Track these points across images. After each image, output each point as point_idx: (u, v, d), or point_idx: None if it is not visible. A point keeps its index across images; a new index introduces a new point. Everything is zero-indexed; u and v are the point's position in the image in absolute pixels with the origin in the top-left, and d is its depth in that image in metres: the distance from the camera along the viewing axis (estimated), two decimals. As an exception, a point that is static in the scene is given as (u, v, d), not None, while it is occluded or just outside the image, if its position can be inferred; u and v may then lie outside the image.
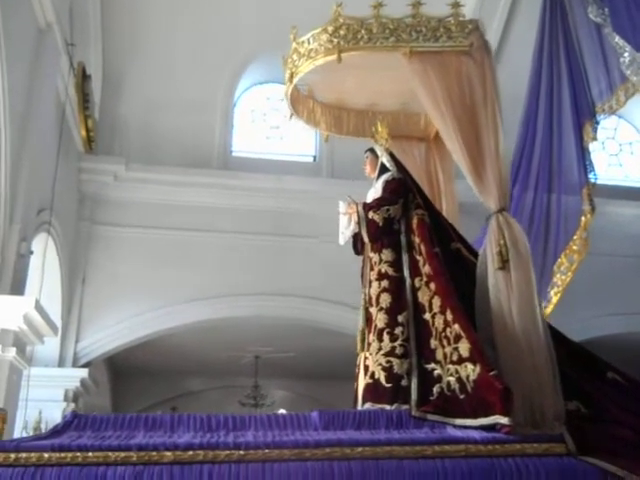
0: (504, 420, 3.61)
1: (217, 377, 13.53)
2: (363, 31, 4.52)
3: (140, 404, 12.81)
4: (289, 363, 12.67)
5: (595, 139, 7.24)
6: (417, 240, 4.56)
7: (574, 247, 7.30)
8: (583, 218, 7.25)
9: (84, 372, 8.83)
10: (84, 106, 8.91)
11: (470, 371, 3.92)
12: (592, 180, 7.28)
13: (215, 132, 10.63)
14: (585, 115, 7.20)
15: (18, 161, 6.48)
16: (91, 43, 9.74)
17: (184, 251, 9.51)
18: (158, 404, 12.82)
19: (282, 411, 9.19)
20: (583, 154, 7.26)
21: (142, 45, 10.15)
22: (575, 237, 7.29)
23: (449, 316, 4.14)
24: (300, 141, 11.18)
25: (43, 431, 6.77)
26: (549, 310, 7.23)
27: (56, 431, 3.66)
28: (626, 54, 6.25)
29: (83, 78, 8.82)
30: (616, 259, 10.07)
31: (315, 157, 11.11)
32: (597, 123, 7.25)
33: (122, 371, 12.81)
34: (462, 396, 3.97)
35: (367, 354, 4.55)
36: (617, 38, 6.34)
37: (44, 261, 7.43)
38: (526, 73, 7.69)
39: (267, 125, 11.42)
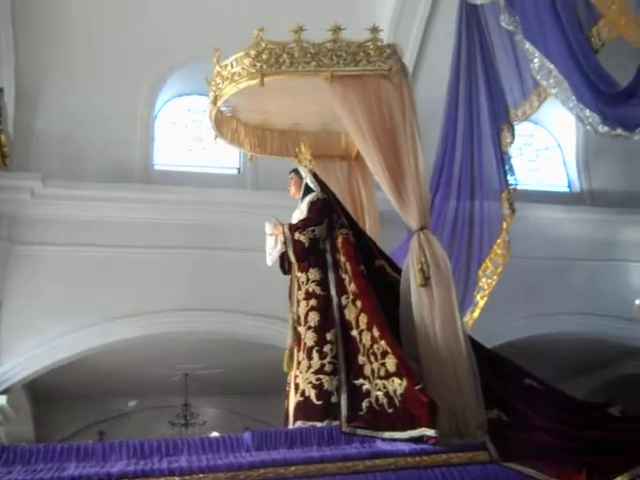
0: (430, 432, 3.78)
1: (145, 397, 13.20)
2: (285, 55, 4.63)
3: (66, 430, 12.42)
4: (219, 380, 12.53)
5: (511, 143, 7.47)
6: (343, 259, 4.69)
7: (498, 251, 7.51)
8: (504, 222, 7.49)
9: (2, 399, 8.44)
10: (-5, 120, 8.67)
11: (397, 385, 4.07)
12: (512, 185, 7.52)
13: (136, 145, 10.42)
14: (502, 121, 7.44)
15: None
16: (3, 55, 9.44)
17: (108, 268, 9.28)
18: (85, 428, 12.46)
19: (214, 433, 9.14)
20: (502, 159, 7.51)
21: (59, 57, 9.91)
22: (499, 241, 7.50)
23: (376, 332, 4.29)
24: (224, 153, 11.11)
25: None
26: (476, 314, 7.44)
27: (-17, 467, 3.59)
28: (536, 60, 6.47)
29: (-6, 92, 8.59)
30: (537, 262, 10.36)
31: (239, 169, 11.08)
32: (513, 128, 7.51)
33: (44, 396, 12.31)
34: (390, 410, 4.12)
35: (297, 372, 4.64)
36: (527, 44, 6.58)
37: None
38: (446, 85, 7.92)
39: (189, 137, 11.32)
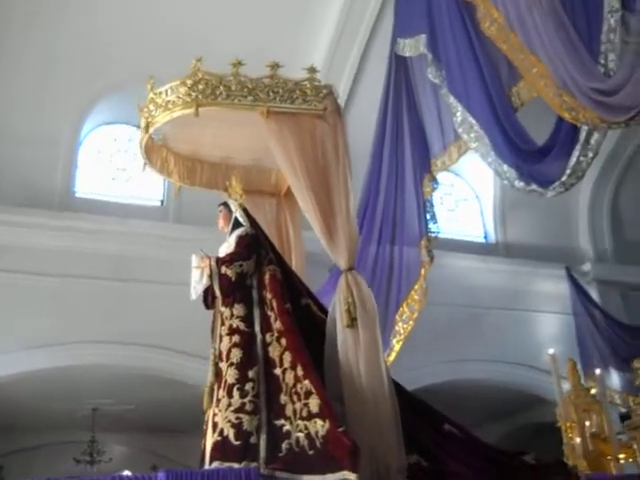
0: (352, 476, 3.70)
1: (52, 431, 12.51)
2: (222, 87, 4.60)
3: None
4: (129, 416, 12.05)
5: (432, 192, 7.62)
6: (269, 296, 4.63)
7: (415, 297, 7.63)
8: (422, 269, 7.60)
9: None
10: None
11: (319, 427, 4.00)
12: (433, 232, 7.66)
13: (58, 171, 10.14)
14: (424, 170, 7.61)
15: None
16: None
17: (22, 295, 8.86)
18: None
19: (127, 472, 8.76)
20: (424, 207, 7.65)
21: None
22: (416, 287, 7.62)
23: (300, 372, 4.22)
24: (147, 184, 10.93)
25: None
26: (392, 358, 7.48)
27: None
28: (458, 113, 6.69)
29: None
30: (452, 308, 10.58)
31: (162, 201, 10.91)
32: (434, 179, 7.67)
33: (-55, 429, 11.67)
34: (311, 452, 4.03)
35: (216, 410, 4.50)
36: (452, 98, 6.78)
37: None
38: (373, 128, 8.05)
39: (113, 166, 11.07)
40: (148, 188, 10.92)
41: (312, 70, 4.80)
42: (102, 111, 10.82)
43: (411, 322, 7.57)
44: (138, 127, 10.52)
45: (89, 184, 10.70)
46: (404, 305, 7.62)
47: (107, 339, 9.03)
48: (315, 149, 4.65)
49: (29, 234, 9.21)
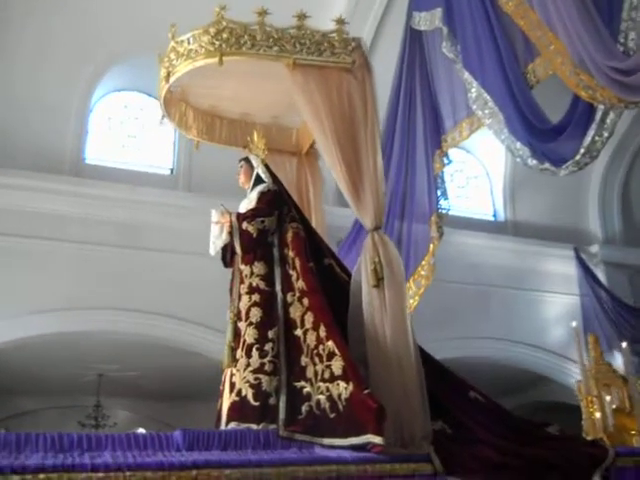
0: (377, 439, 3.55)
1: (56, 396, 12.55)
2: (246, 37, 4.41)
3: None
4: (135, 382, 12.04)
5: (442, 169, 7.49)
6: (291, 254, 4.46)
7: (422, 272, 7.51)
8: (431, 245, 7.48)
9: None
10: None
11: (342, 389, 3.85)
12: (444, 209, 7.52)
13: (68, 137, 10.01)
14: (435, 145, 7.47)
15: None
16: None
17: (29, 259, 8.77)
18: (-6, 427, 11.71)
19: (141, 430, 8.67)
20: (435, 183, 7.51)
21: (-5, 34, 9.42)
22: (423, 263, 7.50)
23: (322, 333, 4.07)
24: (158, 153, 10.79)
25: None
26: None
27: None
28: (473, 90, 6.54)
29: None
30: (460, 286, 10.54)
31: (172, 170, 10.76)
32: (446, 155, 7.53)
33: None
34: (332, 415, 3.89)
35: (234, 370, 4.35)
36: (466, 74, 6.63)
37: None
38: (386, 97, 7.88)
39: (124, 134, 10.92)
40: (158, 156, 10.80)
41: (340, 21, 4.60)
42: (113, 78, 10.67)
43: (417, 297, 7.45)
44: (149, 95, 10.63)
45: (99, 151, 10.57)
46: (410, 280, 7.47)
47: (114, 305, 8.95)
48: (342, 103, 4.46)
49: (39, 199, 9.10)
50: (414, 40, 7.83)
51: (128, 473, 3.19)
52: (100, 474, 3.14)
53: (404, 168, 7.68)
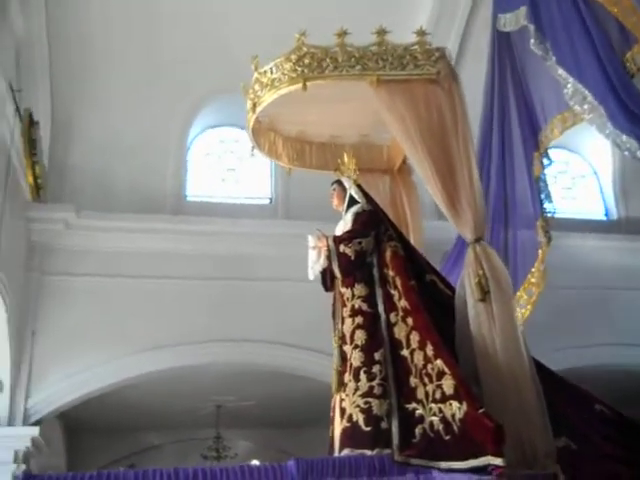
0: (497, 461, 3.38)
1: (177, 429, 12.92)
2: (328, 60, 4.41)
3: (97, 462, 12.11)
4: (252, 412, 12.18)
5: (542, 171, 7.22)
6: (391, 273, 4.38)
7: (532, 280, 7.23)
8: (540, 251, 7.20)
9: (35, 430, 8.21)
10: (31, 152, 8.57)
11: (456, 409, 3.71)
12: (549, 212, 7.24)
13: (168, 177, 10.32)
14: (532, 147, 7.22)
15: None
16: (39, 89, 9.44)
17: (139, 299, 9.07)
18: (116, 461, 12.17)
19: (255, 462, 8.76)
20: (537, 186, 7.24)
21: (92, 89, 9.87)
22: (533, 270, 7.22)
23: (430, 351, 3.95)
24: (256, 184, 10.98)
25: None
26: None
27: (7, 495, 3.30)
28: (569, 85, 6.25)
29: (30, 124, 8.49)
30: (574, 292, 10.04)
31: (271, 199, 10.91)
32: (545, 155, 7.26)
33: (76, 428, 12.13)
34: (447, 437, 3.75)
35: (343, 395, 4.30)
36: (560, 70, 6.38)
37: (-13, 313, 6.99)
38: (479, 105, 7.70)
39: (222, 168, 11.19)
40: (256, 187, 10.97)
41: (421, 33, 4.52)
42: (207, 115, 10.95)
43: (529, 306, 7.15)
44: (242, 128, 10.83)
45: (200, 187, 10.86)
46: (521, 289, 7.20)
47: (224, 337, 9.09)
48: (431, 116, 4.37)
49: (144, 239, 9.40)
50: (502, 43, 7.63)
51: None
52: (216, 509, 3.15)
53: (503, 174, 7.46)
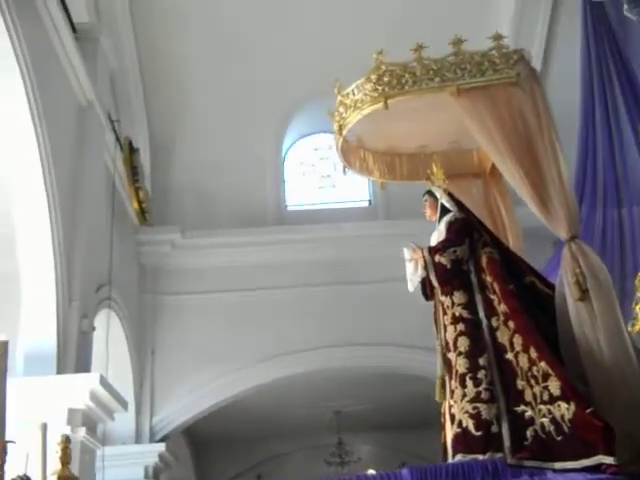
0: (609, 459, 3.43)
1: (299, 437, 13.25)
2: (407, 75, 4.49)
3: (225, 474, 12.57)
4: (371, 415, 12.35)
5: None
6: (489, 279, 4.43)
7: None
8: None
9: (161, 446, 8.66)
10: (134, 179, 9.02)
11: (564, 410, 3.76)
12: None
13: (267, 189, 10.64)
14: (637, 116, 6.99)
15: (71, 240, 6.44)
16: (136, 116, 9.88)
17: (249, 311, 9.44)
18: (243, 472, 12.62)
19: (371, 471, 8.91)
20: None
21: (186, 113, 10.27)
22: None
23: (533, 354, 4.00)
24: (354, 186, 11.12)
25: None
26: (637, 328, 6.86)
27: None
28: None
29: (130, 152, 8.93)
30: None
31: (370, 201, 11.02)
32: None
33: (202, 441, 12.66)
34: (559, 438, 3.80)
35: (451, 402, 4.39)
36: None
37: (108, 336, 7.34)
38: (575, 87, 7.52)
39: (318, 175, 11.42)
40: (355, 190, 11.11)
41: (498, 37, 4.53)
42: (298, 125, 11.17)
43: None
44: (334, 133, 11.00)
45: (298, 196, 11.13)
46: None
47: (337, 343, 9.29)
48: (514, 119, 4.38)
49: (251, 252, 9.76)
50: (595, 14, 7.43)
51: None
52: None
53: (611, 149, 7.23)
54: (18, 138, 5.72)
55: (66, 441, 3.93)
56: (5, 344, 2.81)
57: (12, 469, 3.32)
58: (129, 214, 9.30)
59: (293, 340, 9.27)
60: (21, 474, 3.47)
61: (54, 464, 3.76)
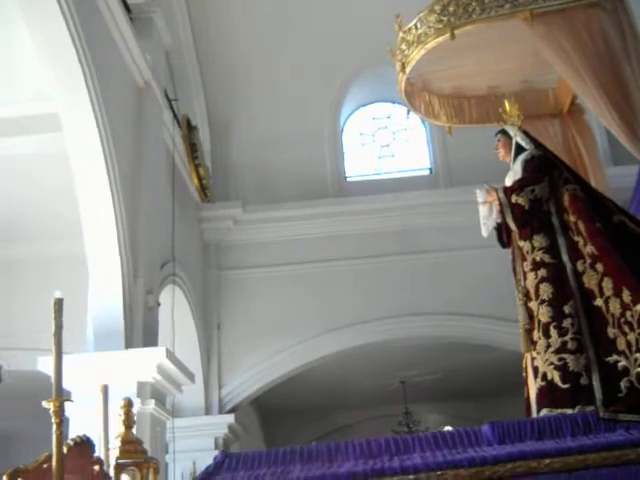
0: None
1: (365, 408, 13.17)
2: (474, 3, 4.15)
3: (294, 444, 12.53)
4: (437, 385, 12.20)
5: None
6: (572, 218, 4.03)
7: None
8: None
9: (230, 418, 8.67)
10: (193, 156, 8.97)
11: (664, 357, 3.37)
12: None
13: (326, 161, 10.44)
14: None
15: (134, 219, 6.45)
16: (193, 94, 9.87)
17: (312, 283, 9.31)
18: (312, 442, 12.57)
19: (448, 428, 8.62)
20: None
21: (242, 88, 10.18)
22: None
23: (627, 298, 3.61)
24: (413, 155, 10.80)
25: (198, 480, 6.59)
26: None
27: (208, 473, 3.41)
28: None
29: (189, 129, 8.88)
30: None
31: (431, 169, 10.68)
32: None
33: (271, 412, 12.70)
34: (660, 388, 3.42)
35: (534, 354, 4.04)
36: None
37: (173, 311, 7.37)
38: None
39: (377, 145, 11.12)
40: (415, 159, 10.80)
41: (574, -44, 4.13)
42: (355, 95, 10.95)
43: None
44: (393, 102, 10.69)
45: (358, 167, 10.87)
46: None
47: (401, 312, 9.06)
48: (596, 43, 3.99)
49: (311, 225, 9.60)
50: None
51: (439, 472, 3.07)
52: (410, 476, 3.05)
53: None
54: (78, 121, 5.69)
55: (129, 404, 3.83)
56: (60, 301, 2.76)
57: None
58: (190, 191, 9.29)
59: (356, 311, 9.08)
60: (81, 435, 3.38)
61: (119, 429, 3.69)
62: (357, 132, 11.17)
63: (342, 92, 10.76)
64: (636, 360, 3.56)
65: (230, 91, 10.17)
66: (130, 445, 3.70)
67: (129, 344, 5.97)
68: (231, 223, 9.75)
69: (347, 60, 10.18)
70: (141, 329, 6.23)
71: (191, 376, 6.87)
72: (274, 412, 12.62)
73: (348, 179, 10.66)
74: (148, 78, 7.17)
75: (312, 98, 10.31)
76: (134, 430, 3.75)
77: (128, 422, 3.77)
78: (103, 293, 6.02)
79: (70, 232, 6.46)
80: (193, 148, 8.98)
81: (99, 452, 3.49)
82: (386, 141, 11.09)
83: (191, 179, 9.13)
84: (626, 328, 3.62)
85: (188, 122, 8.91)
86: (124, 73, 6.80)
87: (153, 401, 5.90)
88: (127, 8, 6.87)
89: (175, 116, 8.41)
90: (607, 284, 3.76)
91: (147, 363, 5.90)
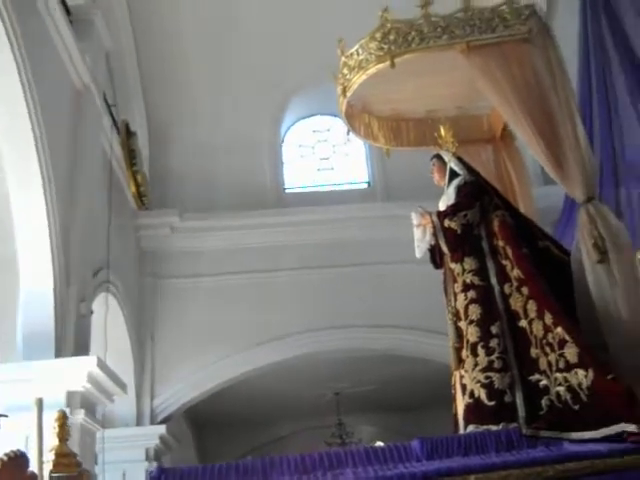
0: (632, 427, 3.24)
1: (300, 419, 13.22)
2: (413, 32, 4.30)
3: (227, 456, 12.49)
4: (371, 396, 12.28)
5: None
6: (501, 243, 4.24)
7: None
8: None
9: (162, 428, 8.57)
10: (132, 163, 8.88)
11: (582, 378, 3.58)
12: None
13: (266, 171, 10.51)
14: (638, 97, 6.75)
15: (69, 225, 6.37)
16: (133, 100, 9.76)
17: (250, 294, 9.29)
18: (246, 454, 12.55)
19: (379, 443, 8.77)
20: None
21: (183, 96, 10.14)
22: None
23: (548, 320, 3.81)
24: (352, 168, 10.98)
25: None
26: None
27: (144, 489, 3.43)
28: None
29: (128, 135, 8.80)
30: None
31: (369, 182, 10.86)
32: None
33: (204, 423, 12.62)
34: (576, 406, 3.62)
35: (462, 372, 4.21)
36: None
37: (106, 320, 7.24)
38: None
39: (317, 157, 11.25)
40: (353, 172, 10.97)
41: (507, -8, 4.34)
42: (295, 107, 11.05)
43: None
44: (333, 115, 10.83)
45: (297, 178, 10.96)
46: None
47: (336, 324, 9.15)
48: (526, 76, 4.19)
49: (249, 235, 9.62)
50: None
51: (373, 489, 3.17)
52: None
53: (610, 130, 7.01)
54: (13, 123, 5.62)
55: (63, 417, 3.83)
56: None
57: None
58: (128, 198, 9.18)
59: (292, 322, 9.13)
60: (15, 449, 3.36)
61: (52, 441, 3.67)
62: (297, 144, 11.28)
63: (283, 104, 10.85)
64: (556, 379, 3.75)
65: (171, 98, 10.13)
66: (64, 458, 3.71)
67: (59, 352, 5.88)
68: (168, 231, 9.68)
69: (290, 73, 10.28)
70: (72, 337, 6.13)
71: (123, 386, 6.79)
72: (207, 423, 12.54)
73: (287, 190, 10.74)
74: (87, 81, 7.09)
75: (253, 108, 10.34)
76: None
77: (62, 435, 3.78)
78: (34, 299, 5.92)
79: (1, 234, 6.28)
80: (132, 154, 8.89)
81: (33, 466, 3.47)
82: (326, 154, 11.22)
83: (129, 186, 9.04)
84: (547, 349, 3.81)
85: (127, 128, 8.84)
86: (62, 75, 6.72)
87: (83, 411, 5.81)
88: (67, 10, 6.79)
89: (114, 121, 8.33)
90: (531, 307, 3.96)
91: (77, 372, 5.81)
